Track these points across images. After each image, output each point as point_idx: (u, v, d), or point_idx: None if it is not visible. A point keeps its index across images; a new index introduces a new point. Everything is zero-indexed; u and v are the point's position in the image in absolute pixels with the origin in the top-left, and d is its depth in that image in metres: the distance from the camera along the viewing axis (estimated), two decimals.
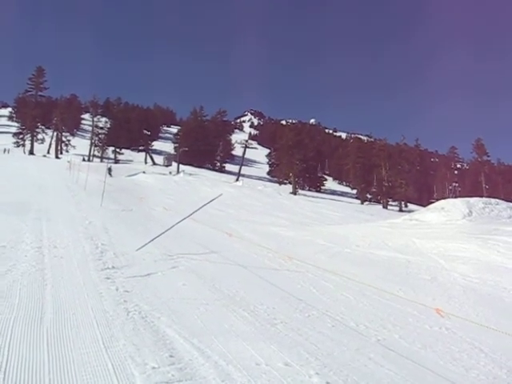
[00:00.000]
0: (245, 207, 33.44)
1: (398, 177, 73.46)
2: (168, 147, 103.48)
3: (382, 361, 5.36)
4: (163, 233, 11.52)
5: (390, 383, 4.75)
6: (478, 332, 6.80)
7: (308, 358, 5.18)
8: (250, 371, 4.65)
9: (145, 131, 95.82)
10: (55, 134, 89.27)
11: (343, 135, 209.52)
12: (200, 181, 54.06)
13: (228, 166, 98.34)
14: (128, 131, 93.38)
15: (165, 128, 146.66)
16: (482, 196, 40.12)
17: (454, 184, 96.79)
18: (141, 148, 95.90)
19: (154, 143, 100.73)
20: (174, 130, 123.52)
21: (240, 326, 6.16)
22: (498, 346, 6.27)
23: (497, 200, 24.57)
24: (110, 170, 40.07)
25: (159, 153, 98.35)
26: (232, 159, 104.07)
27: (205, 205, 11.92)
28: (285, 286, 8.97)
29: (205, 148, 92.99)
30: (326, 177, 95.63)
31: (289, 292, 8.45)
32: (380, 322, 7.08)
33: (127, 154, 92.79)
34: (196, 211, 11.98)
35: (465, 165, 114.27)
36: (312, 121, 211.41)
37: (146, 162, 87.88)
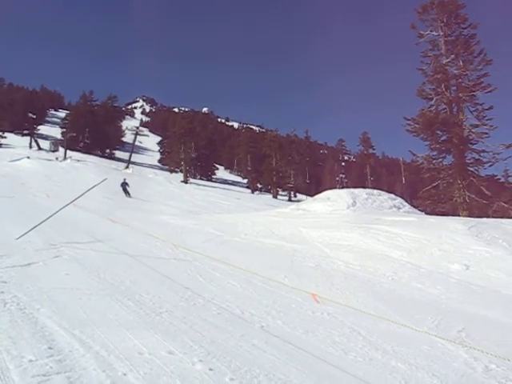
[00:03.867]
0: (135, 195, 32.95)
1: (287, 167, 75.10)
2: (55, 132, 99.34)
3: (265, 346, 5.48)
4: (45, 220, 11.13)
5: (272, 367, 4.85)
6: (358, 316, 7.12)
7: (192, 346, 5.19)
8: (133, 360, 4.59)
9: (30, 114, 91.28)
10: None
11: (235, 125, 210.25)
12: (88, 167, 52.45)
13: (118, 153, 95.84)
14: (12, 114, 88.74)
15: (52, 112, 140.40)
16: (367, 187, 41.77)
17: (341, 175, 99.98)
18: (25, 132, 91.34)
19: (40, 127, 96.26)
20: (62, 114, 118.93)
21: (124, 316, 6.07)
22: (375, 329, 6.59)
23: (379, 191, 25.68)
24: (125, 184, 34.11)
25: (45, 138, 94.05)
26: (122, 146, 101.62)
27: (88, 190, 11.66)
28: (171, 274, 8.95)
29: (94, 134, 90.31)
30: (217, 166, 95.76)
31: (175, 280, 8.44)
32: (265, 308, 7.22)
33: (10, 137, 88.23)
34: (78, 197, 11.68)
35: (352, 157, 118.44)
36: (205, 109, 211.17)
37: (30, 147, 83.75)
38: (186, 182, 67.54)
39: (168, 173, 78.57)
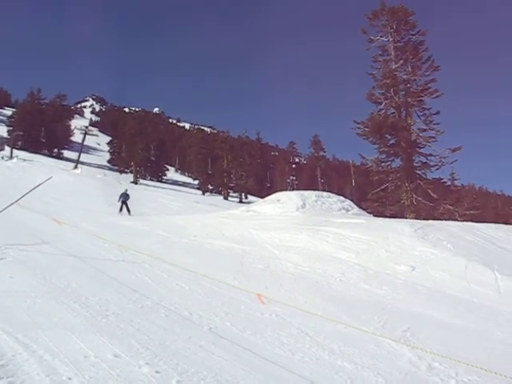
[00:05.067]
0: (83, 196, 32.34)
1: (239, 169, 75.03)
2: (1, 130, 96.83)
3: (212, 348, 5.48)
4: None
5: (220, 369, 4.86)
6: (306, 317, 7.18)
7: (139, 349, 5.15)
8: (78, 364, 4.53)
9: None
10: None
11: (187, 126, 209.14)
12: (35, 167, 51.20)
13: (66, 153, 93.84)
14: None
15: None
16: (317, 189, 42.17)
17: (291, 177, 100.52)
18: None
19: None
20: (9, 112, 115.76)
21: (69, 319, 5.98)
22: (322, 330, 6.67)
23: (329, 193, 26.05)
24: (126, 196, 26.11)
25: None
26: (71, 146, 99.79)
27: (33, 189, 11.41)
28: (120, 276, 8.86)
29: (42, 133, 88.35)
30: (168, 167, 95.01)
31: (123, 283, 8.35)
32: (213, 310, 7.22)
33: None
34: (23, 197, 11.42)
35: (303, 159, 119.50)
36: (156, 110, 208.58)
37: None
38: (135, 182, 66.80)
39: (118, 173, 77.54)
